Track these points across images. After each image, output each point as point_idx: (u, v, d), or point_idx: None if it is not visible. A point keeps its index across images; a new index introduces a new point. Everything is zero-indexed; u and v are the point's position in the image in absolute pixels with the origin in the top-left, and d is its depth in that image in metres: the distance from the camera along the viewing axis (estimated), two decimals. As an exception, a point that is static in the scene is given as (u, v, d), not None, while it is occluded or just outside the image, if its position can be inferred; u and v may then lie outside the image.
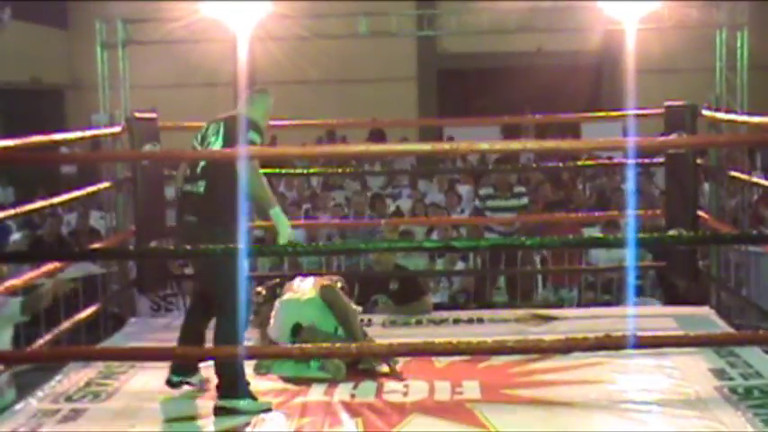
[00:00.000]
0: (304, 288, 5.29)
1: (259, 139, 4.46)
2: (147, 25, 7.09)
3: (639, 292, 8.03)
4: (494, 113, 14.15)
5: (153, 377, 4.87)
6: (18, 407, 4.51)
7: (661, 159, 6.85)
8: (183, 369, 4.64)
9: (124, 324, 6.26)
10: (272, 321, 5.22)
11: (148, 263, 6.33)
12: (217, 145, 4.47)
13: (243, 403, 4.33)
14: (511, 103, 15.79)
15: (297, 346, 4.53)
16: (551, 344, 3.98)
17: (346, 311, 5.12)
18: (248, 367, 4.70)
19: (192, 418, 4.32)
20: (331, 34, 7.36)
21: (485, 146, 4.38)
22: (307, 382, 4.73)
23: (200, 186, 4.43)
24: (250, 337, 5.51)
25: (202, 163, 4.46)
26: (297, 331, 5.08)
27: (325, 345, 4.56)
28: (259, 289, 5.84)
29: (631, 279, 8.06)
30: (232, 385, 4.33)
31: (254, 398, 4.37)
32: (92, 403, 4.53)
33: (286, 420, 4.20)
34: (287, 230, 4.46)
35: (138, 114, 6.33)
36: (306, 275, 5.66)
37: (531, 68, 16.33)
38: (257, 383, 4.67)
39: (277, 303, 5.27)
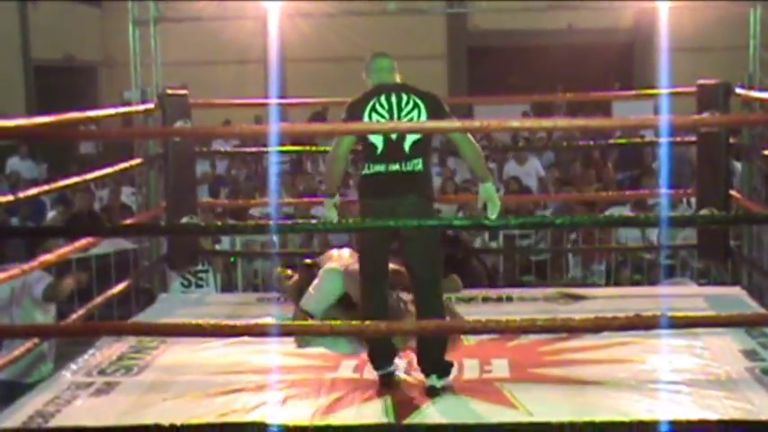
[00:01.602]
0: (345, 257, 5.40)
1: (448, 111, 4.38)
2: (178, 3, 7.10)
3: (670, 271, 8.01)
4: (524, 92, 14.11)
5: (183, 352, 4.91)
6: (53, 379, 4.58)
7: (693, 138, 6.77)
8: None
9: (155, 299, 6.30)
10: (311, 291, 5.27)
11: (179, 239, 6.36)
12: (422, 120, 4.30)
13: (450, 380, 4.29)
14: (542, 81, 15.74)
15: (326, 323, 4.53)
16: (581, 323, 3.96)
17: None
18: (286, 342, 4.81)
19: (222, 392, 4.34)
20: (359, 11, 7.32)
21: (515, 123, 4.32)
22: (340, 357, 4.76)
23: (419, 164, 4.26)
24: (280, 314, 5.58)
25: (412, 140, 4.25)
26: (344, 302, 5.17)
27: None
28: (289, 272, 5.91)
29: (662, 258, 8.06)
30: (441, 362, 4.28)
31: None
32: (124, 377, 4.57)
33: (315, 398, 4.20)
34: (496, 206, 4.36)
35: (169, 91, 6.35)
36: (340, 247, 5.76)
37: (562, 46, 16.25)
38: (286, 359, 4.71)
39: (321, 273, 5.34)
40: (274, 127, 4.36)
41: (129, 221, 6.77)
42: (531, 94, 12.91)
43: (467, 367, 4.57)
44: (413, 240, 4.27)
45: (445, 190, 10.21)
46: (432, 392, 4.19)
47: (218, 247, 8.03)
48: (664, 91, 7.16)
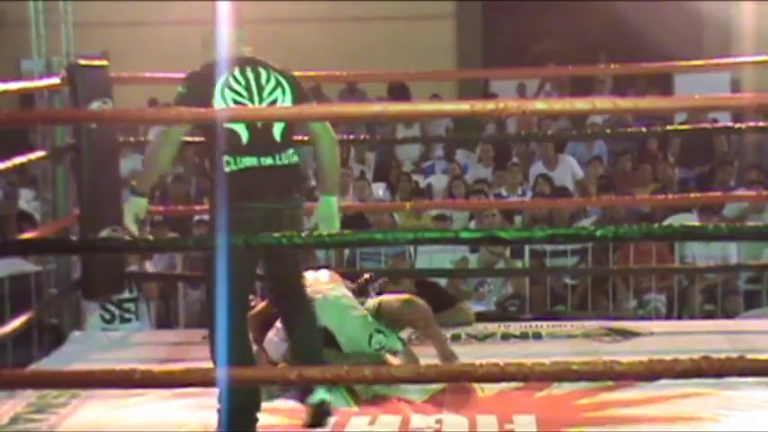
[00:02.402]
0: (323, 282, 5.52)
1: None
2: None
3: (754, 300, 8.01)
4: (556, 62, 14.11)
5: (103, 410, 4.89)
6: None
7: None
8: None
9: (65, 339, 6.27)
10: (280, 327, 5.31)
11: (98, 259, 6.33)
12: (287, 103, 4.56)
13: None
14: (580, 48, 15.76)
15: (294, 369, 4.53)
16: (631, 368, 3.95)
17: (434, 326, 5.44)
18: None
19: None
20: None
21: (542, 105, 4.33)
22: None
23: (294, 156, 4.57)
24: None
25: (281, 126, 4.50)
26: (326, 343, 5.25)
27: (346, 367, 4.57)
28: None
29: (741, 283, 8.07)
30: None
31: None
32: (19, 446, 4.55)
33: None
34: (335, 225, 4.69)
35: (83, 62, 6.33)
36: (317, 269, 5.84)
37: (607, 2, 16.24)
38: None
39: None
40: (226, 111, 4.33)
41: (28, 235, 6.74)
42: (566, 65, 12.91)
43: (481, 425, 4.59)
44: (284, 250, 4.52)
45: (453, 192, 10.22)
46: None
47: (150, 268, 8.01)
48: (744, 60, 7.18)
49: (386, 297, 5.50)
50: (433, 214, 9.30)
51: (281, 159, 4.53)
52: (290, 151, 4.57)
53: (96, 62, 6.40)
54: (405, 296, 5.51)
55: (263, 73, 4.58)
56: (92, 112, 5.72)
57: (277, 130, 4.51)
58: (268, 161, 4.50)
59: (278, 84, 4.58)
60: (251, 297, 5.42)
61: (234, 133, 4.43)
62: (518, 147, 12.38)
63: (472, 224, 9.23)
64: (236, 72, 4.54)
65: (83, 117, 5.52)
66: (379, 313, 5.40)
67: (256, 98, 4.52)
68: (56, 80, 6.33)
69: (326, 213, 4.70)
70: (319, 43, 15.45)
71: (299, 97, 4.58)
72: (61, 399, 5.02)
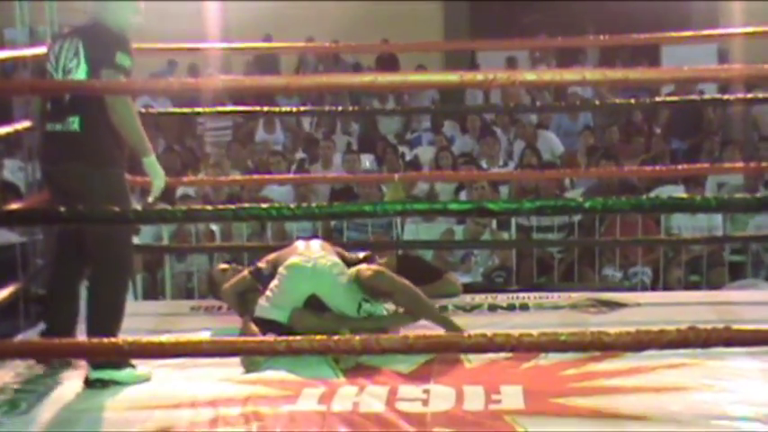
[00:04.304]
0: (315, 250, 5.59)
1: (129, 62, 4.79)
2: None
3: (738, 271, 8.04)
4: (545, 33, 14.09)
5: (91, 380, 4.91)
6: None
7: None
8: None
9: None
10: (269, 294, 5.40)
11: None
12: (80, 74, 4.81)
13: (122, 374, 4.80)
14: (568, 19, 15.74)
15: (282, 339, 4.54)
16: (618, 338, 3.97)
17: (412, 295, 5.42)
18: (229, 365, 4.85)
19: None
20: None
21: (530, 76, 4.33)
22: (301, 383, 4.79)
23: (75, 123, 4.81)
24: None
25: (67, 96, 4.80)
26: (312, 304, 5.36)
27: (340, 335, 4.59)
28: (223, 266, 5.99)
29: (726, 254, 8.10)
30: None
31: (132, 366, 4.83)
32: (6, 416, 4.54)
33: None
34: (160, 183, 5.02)
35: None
36: (308, 239, 5.94)
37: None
38: (230, 388, 4.72)
39: (282, 270, 5.49)
40: (214, 80, 4.34)
41: (14, 206, 6.72)
42: (554, 36, 12.91)
43: (468, 396, 4.58)
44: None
45: (440, 163, 10.21)
46: (89, 385, 4.78)
47: (137, 240, 8.00)
48: (731, 31, 7.18)
49: (361, 266, 5.52)
50: (418, 193, 9.31)
51: (63, 126, 4.81)
52: (72, 118, 4.79)
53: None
54: (375, 267, 5.53)
55: (67, 42, 4.88)
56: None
57: (65, 98, 4.82)
58: (56, 127, 4.86)
59: (76, 52, 4.82)
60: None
61: (45, 100, 4.97)
62: (501, 119, 12.36)
63: (463, 195, 9.24)
64: (57, 44, 4.95)
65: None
66: (357, 284, 5.43)
67: (60, 71, 4.87)
68: (42, 49, 6.29)
69: (151, 173, 4.99)
70: (306, 15, 15.41)
71: (93, 65, 4.77)
72: (52, 370, 5.01)
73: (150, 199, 5.13)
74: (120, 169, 4.92)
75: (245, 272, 5.83)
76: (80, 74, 4.81)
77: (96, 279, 4.97)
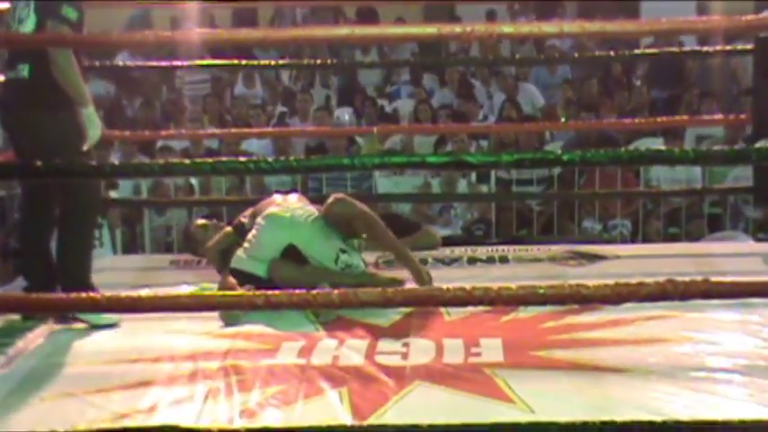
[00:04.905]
0: (292, 202, 5.62)
1: (75, 15, 4.93)
2: None
3: (717, 223, 8.07)
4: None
5: (69, 334, 4.91)
6: None
7: (748, 46, 6.79)
8: None
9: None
10: (246, 245, 5.42)
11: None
12: (30, 24, 4.96)
13: (91, 315, 4.99)
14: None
15: (261, 293, 4.54)
16: (597, 291, 3.97)
17: (376, 223, 5.43)
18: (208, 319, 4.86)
19: (122, 387, 4.32)
20: None
21: (508, 28, 4.33)
22: (280, 336, 4.79)
23: (24, 70, 4.97)
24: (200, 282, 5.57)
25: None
26: (290, 254, 5.37)
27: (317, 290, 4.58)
28: (201, 222, 5.98)
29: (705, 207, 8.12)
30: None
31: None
32: (-15, 370, 4.53)
33: (246, 392, 4.19)
34: (96, 133, 5.09)
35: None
36: (286, 193, 5.93)
37: None
38: (209, 342, 4.72)
39: (260, 220, 5.50)
40: (191, 33, 4.30)
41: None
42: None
43: (448, 349, 4.58)
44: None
45: (419, 116, 10.18)
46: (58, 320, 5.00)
47: (114, 194, 7.97)
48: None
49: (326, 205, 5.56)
50: (393, 146, 9.29)
51: (14, 74, 5.00)
52: (22, 66, 4.97)
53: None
54: (339, 195, 5.54)
55: None
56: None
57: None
58: (10, 75, 5.04)
59: (27, 4, 4.99)
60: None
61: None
62: (480, 72, 12.33)
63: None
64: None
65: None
66: (325, 220, 5.44)
67: (16, 21, 5.04)
68: (4, 5, 6.21)
69: (87, 123, 5.06)
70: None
71: (42, 16, 4.93)
72: (28, 323, 4.99)
73: (84, 148, 5.12)
74: (71, 114, 5.03)
75: (228, 228, 5.83)
76: (29, 24, 4.97)
77: (66, 222, 5.12)
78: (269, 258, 5.36)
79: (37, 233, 5.26)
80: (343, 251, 5.45)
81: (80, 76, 5.03)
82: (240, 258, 5.39)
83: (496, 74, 11.74)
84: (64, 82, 4.93)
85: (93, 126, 5.09)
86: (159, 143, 9.21)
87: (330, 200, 5.49)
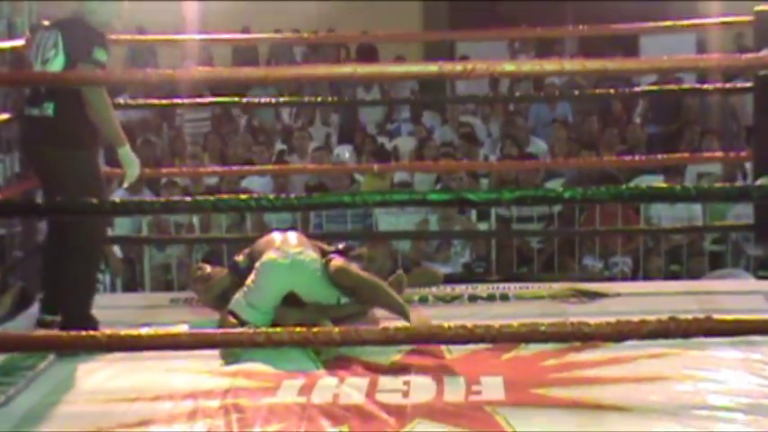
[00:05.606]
0: (292, 244, 5.53)
1: (105, 56, 5.02)
2: None
3: (718, 260, 8.06)
4: (524, 23, 14.09)
5: (69, 373, 4.89)
6: None
7: (748, 84, 6.81)
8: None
9: (31, 302, 6.23)
10: (245, 290, 5.34)
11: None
12: (57, 64, 5.02)
13: None
14: (547, 10, 15.72)
15: (261, 330, 4.53)
16: (598, 329, 3.97)
17: (375, 290, 5.38)
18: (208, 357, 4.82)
19: (122, 426, 4.31)
20: None
21: (510, 67, 4.35)
22: (281, 375, 4.77)
23: (49, 108, 5.04)
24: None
25: None
26: (291, 299, 5.34)
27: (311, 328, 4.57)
28: (206, 268, 5.89)
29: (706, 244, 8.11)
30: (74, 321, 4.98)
31: None
32: (-15, 409, 4.52)
33: (247, 430, 4.19)
34: (135, 172, 5.24)
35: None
36: (285, 231, 5.85)
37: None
38: (209, 380, 4.71)
39: (258, 265, 5.41)
40: (192, 72, 4.34)
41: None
42: (534, 26, 12.92)
43: (449, 387, 4.58)
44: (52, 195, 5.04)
45: (422, 154, 10.19)
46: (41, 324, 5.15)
47: (114, 231, 7.97)
48: (709, 21, 7.19)
49: (330, 258, 5.49)
50: (396, 181, 9.27)
51: (39, 111, 5.06)
52: (47, 104, 5.04)
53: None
54: (341, 261, 5.47)
55: (47, 34, 5.12)
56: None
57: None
58: (34, 111, 5.11)
59: (54, 44, 5.05)
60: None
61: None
62: (482, 110, 12.35)
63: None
64: (37, 36, 5.22)
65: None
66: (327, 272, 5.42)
67: (39, 61, 5.09)
68: (20, 42, 6.26)
69: (125, 162, 5.22)
70: (282, 3, 15.37)
71: (71, 56, 5.01)
72: (28, 362, 4.99)
73: (124, 185, 5.44)
74: (91, 153, 5.15)
75: (224, 272, 5.77)
76: (57, 64, 5.01)
77: (68, 256, 5.15)
78: (269, 307, 5.29)
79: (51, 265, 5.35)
80: (345, 295, 5.41)
81: (115, 116, 5.16)
82: (239, 304, 5.29)
83: (507, 123, 11.53)
84: (100, 122, 5.04)
85: (131, 164, 5.22)
86: (164, 179, 9.21)
87: (331, 268, 5.39)
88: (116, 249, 8.10)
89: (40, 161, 5.21)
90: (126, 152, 5.19)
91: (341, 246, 5.78)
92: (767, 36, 6.19)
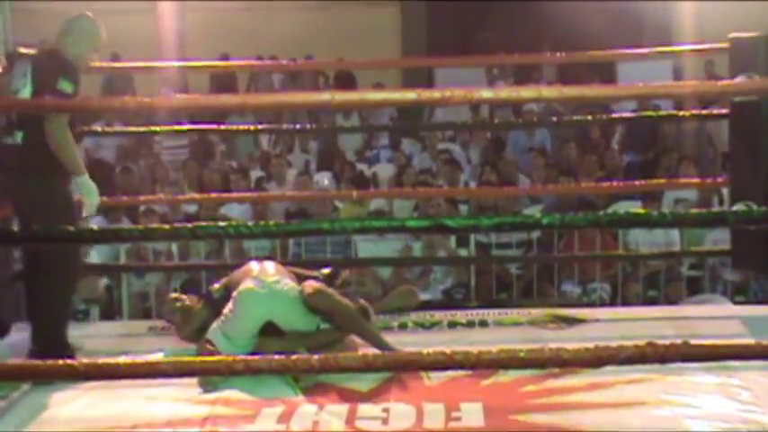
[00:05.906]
0: (269, 273, 5.50)
1: (71, 88, 5.06)
2: None
3: (695, 286, 8.08)
4: (501, 50, 14.15)
5: (44, 402, 4.85)
6: None
7: (724, 110, 6.85)
8: None
9: (7, 331, 6.20)
10: (223, 320, 5.31)
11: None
12: (26, 93, 5.12)
13: None
14: (524, 37, 15.81)
15: (240, 358, 4.52)
16: (577, 355, 3.97)
17: (350, 317, 5.37)
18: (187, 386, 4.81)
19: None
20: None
21: (487, 93, 4.36)
22: (260, 403, 4.76)
23: (19, 136, 5.13)
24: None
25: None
26: (269, 329, 5.30)
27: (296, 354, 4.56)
28: (183, 298, 5.84)
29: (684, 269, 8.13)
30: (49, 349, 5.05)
31: None
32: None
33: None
34: (94, 201, 5.23)
35: (23, 49, 6.24)
36: (261, 260, 5.83)
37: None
38: (187, 408, 4.69)
39: (236, 295, 5.38)
40: (170, 99, 4.34)
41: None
42: (511, 53, 12.99)
43: (428, 414, 4.58)
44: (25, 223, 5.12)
45: (401, 181, 10.20)
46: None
47: (91, 259, 7.94)
48: (685, 48, 7.24)
49: (306, 283, 5.47)
50: (372, 209, 9.26)
51: (12, 139, 5.15)
52: (18, 132, 5.13)
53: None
54: (318, 284, 5.45)
55: (24, 64, 5.25)
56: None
57: (13, 115, 5.18)
58: (7, 140, 5.18)
59: (24, 74, 5.17)
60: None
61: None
62: (462, 136, 12.39)
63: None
64: (17, 61, 5.37)
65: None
66: (305, 301, 5.39)
67: (12, 91, 5.19)
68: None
69: (83, 191, 5.23)
70: (260, 29, 15.42)
71: (38, 87, 5.09)
72: (3, 391, 4.96)
73: (84, 214, 5.33)
74: (61, 180, 5.18)
75: (199, 305, 5.71)
76: (25, 93, 5.13)
77: (42, 284, 5.24)
78: (247, 337, 5.25)
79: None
80: (324, 321, 5.39)
81: (75, 146, 5.18)
82: (216, 334, 5.27)
83: (499, 159, 11.47)
84: (57, 151, 5.05)
85: (90, 193, 5.23)
86: (142, 207, 9.19)
87: (308, 290, 5.37)
88: (102, 280, 8.11)
89: (11, 189, 5.26)
90: (84, 181, 5.21)
91: (326, 271, 5.77)
92: (742, 62, 6.22)
